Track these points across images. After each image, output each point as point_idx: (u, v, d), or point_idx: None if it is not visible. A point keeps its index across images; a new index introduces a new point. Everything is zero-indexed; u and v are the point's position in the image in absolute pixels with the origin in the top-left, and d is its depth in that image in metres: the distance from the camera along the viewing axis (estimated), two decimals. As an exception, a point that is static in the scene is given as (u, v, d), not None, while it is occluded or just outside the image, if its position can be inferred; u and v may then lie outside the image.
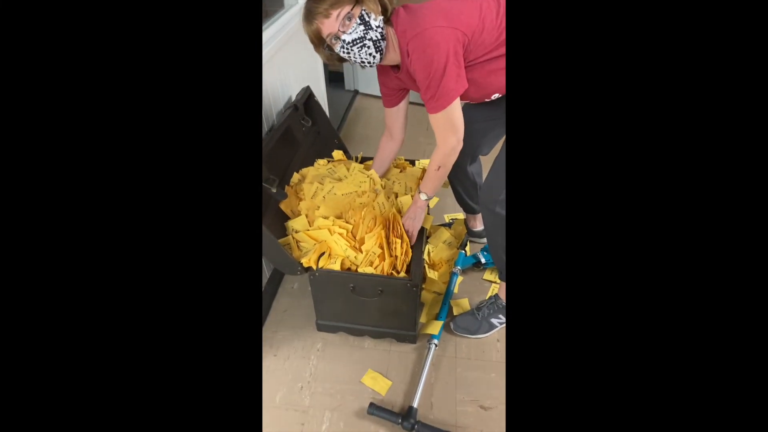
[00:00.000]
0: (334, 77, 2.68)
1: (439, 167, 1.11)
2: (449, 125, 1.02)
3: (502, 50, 0.99)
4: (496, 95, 1.10)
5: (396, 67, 1.10)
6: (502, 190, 1.09)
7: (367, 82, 2.61)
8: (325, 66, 1.97)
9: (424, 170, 1.44)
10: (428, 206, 1.31)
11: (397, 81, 1.14)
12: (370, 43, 0.99)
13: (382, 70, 1.16)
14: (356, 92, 2.65)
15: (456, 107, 1.00)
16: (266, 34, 1.35)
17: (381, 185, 1.36)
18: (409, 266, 1.18)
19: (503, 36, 0.98)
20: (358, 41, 0.98)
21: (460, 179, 1.44)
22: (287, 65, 1.47)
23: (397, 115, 1.27)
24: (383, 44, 1.00)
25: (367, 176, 1.37)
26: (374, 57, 1.02)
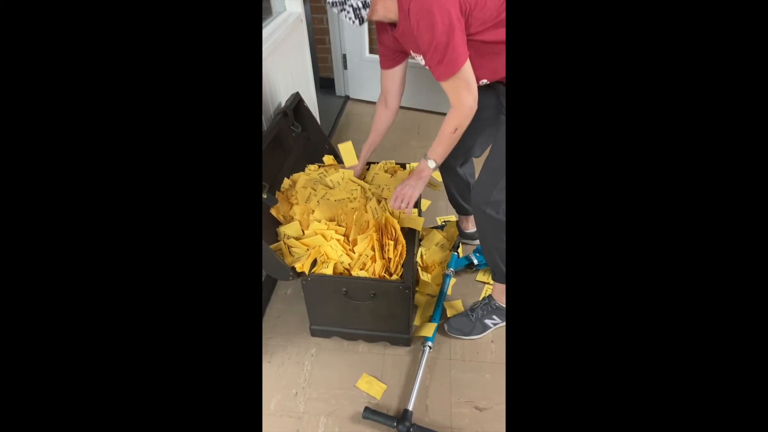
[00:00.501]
0: (325, 83, 2.69)
1: (456, 129, 1.07)
2: (464, 85, 1.00)
3: (500, 33, 0.97)
4: (484, 81, 1.08)
5: (393, 25, 1.07)
6: (492, 191, 1.09)
7: (358, 87, 2.62)
8: (316, 72, 1.98)
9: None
10: (420, 209, 1.30)
11: (393, 40, 1.10)
12: (350, 9, 0.99)
13: (381, 26, 1.12)
14: (347, 98, 2.66)
15: (468, 68, 0.98)
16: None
17: (371, 192, 1.36)
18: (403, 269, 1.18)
19: (502, 15, 0.96)
20: (338, 4, 0.99)
21: (453, 180, 1.44)
22: (276, 72, 1.48)
23: (392, 78, 1.23)
24: (364, 12, 0.99)
25: (358, 185, 1.37)
26: (353, 22, 1.01)
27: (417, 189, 1.17)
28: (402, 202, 1.17)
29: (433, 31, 0.91)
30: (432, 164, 1.14)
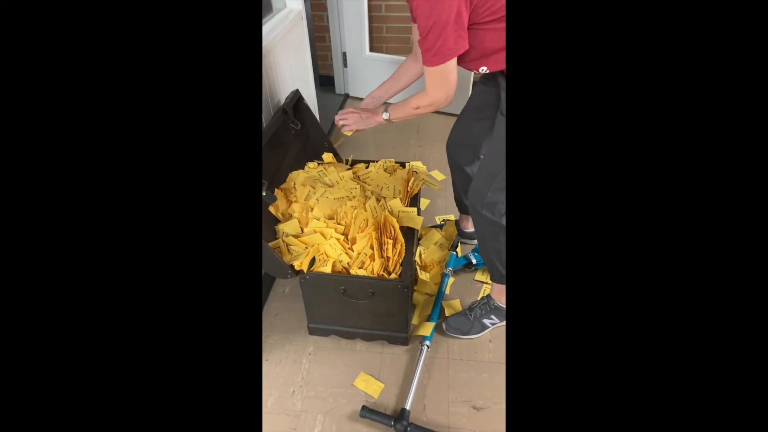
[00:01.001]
0: (325, 81, 2.69)
1: (418, 108, 1.09)
2: (443, 80, 1.00)
3: (501, 25, 0.95)
4: (484, 69, 1.05)
5: None
6: (486, 192, 1.09)
7: (358, 85, 2.61)
8: (316, 70, 1.97)
9: (410, 172, 1.44)
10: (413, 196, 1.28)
11: None
12: None
13: None
14: (347, 96, 2.65)
15: (452, 66, 0.98)
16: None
17: (370, 191, 1.36)
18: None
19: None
20: None
21: (460, 178, 1.44)
22: (276, 68, 1.47)
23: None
24: None
25: (357, 184, 1.37)
26: None
27: (361, 124, 1.22)
28: (343, 121, 1.23)
29: (429, 18, 0.90)
30: (386, 116, 1.18)
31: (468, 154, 1.33)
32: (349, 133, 1.27)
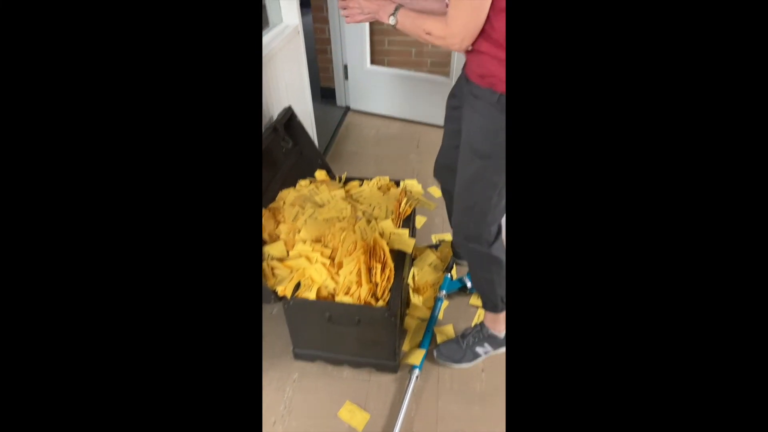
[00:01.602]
0: (326, 93, 2.67)
1: (428, 33, 0.89)
2: (470, 15, 0.80)
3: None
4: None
5: None
6: (469, 225, 1.05)
7: (359, 98, 2.58)
8: (316, 82, 1.94)
9: (402, 192, 1.40)
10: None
11: None
12: None
13: None
14: (347, 108, 2.63)
15: (486, 2, 0.78)
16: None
17: (362, 212, 1.32)
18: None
19: None
20: None
21: (451, 201, 1.39)
22: (269, 84, 1.45)
23: None
24: None
25: (348, 204, 1.33)
26: None
27: (363, 17, 1.01)
28: (346, 11, 1.02)
29: None
30: (393, 21, 0.94)
31: (454, 179, 1.29)
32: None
